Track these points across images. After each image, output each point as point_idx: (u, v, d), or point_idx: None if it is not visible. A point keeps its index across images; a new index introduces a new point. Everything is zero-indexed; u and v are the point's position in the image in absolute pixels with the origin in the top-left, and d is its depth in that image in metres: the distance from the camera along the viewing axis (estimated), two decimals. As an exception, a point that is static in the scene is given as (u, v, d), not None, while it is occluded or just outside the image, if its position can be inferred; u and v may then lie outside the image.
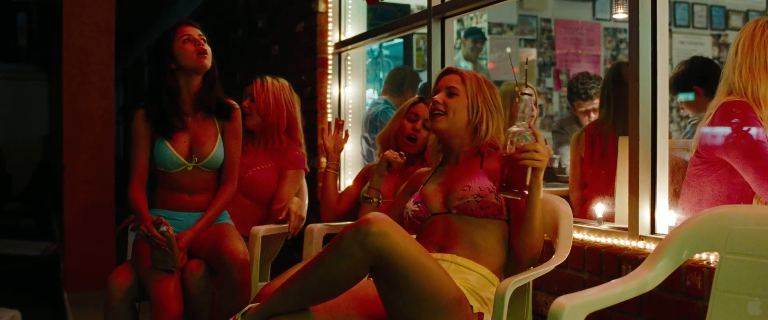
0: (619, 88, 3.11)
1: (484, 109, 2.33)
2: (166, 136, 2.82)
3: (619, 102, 3.09)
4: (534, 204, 2.07)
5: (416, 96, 3.20)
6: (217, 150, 2.88)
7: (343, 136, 3.25)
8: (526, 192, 2.02)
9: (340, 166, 3.17)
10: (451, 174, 2.35)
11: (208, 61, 2.84)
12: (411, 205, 2.34)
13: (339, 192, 3.18)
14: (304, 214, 3.29)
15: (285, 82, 3.36)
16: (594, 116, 4.04)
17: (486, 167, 2.28)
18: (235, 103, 2.98)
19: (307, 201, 3.39)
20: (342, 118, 4.64)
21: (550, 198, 2.32)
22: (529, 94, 2.07)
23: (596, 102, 4.04)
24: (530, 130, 2.02)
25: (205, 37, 2.85)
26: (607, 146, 3.10)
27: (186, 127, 2.86)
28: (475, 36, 6.05)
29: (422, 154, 3.05)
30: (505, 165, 2.02)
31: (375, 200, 2.79)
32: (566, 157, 3.93)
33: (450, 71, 2.39)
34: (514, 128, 2.03)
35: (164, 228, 2.63)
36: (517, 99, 2.07)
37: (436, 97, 2.34)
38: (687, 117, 3.69)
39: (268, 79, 3.33)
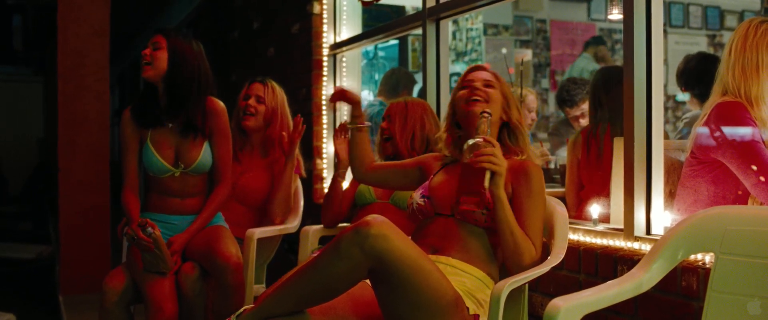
0: (611, 90, 3.10)
1: (518, 110, 2.34)
2: (152, 128, 2.81)
3: (612, 104, 3.09)
4: (499, 217, 2.09)
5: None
6: (203, 156, 2.85)
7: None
8: (480, 198, 2.03)
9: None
10: (463, 173, 2.31)
11: (151, 72, 2.79)
12: (417, 197, 2.32)
13: None
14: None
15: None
16: (583, 121, 4.05)
17: None
18: (220, 102, 2.93)
19: (302, 205, 3.38)
20: (337, 120, 4.63)
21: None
22: (489, 114, 2.16)
23: (583, 107, 4.04)
24: (485, 141, 2.07)
25: (160, 44, 2.79)
26: (603, 148, 3.10)
27: (172, 130, 2.84)
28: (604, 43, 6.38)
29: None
30: (464, 174, 2.06)
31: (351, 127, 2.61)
32: (562, 159, 3.93)
33: (482, 68, 2.39)
34: (471, 141, 2.09)
35: (150, 230, 2.62)
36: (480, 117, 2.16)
37: (475, 84, 2.30)
38: (682, 116, 3.71)
39: (275, 84, 3.31)
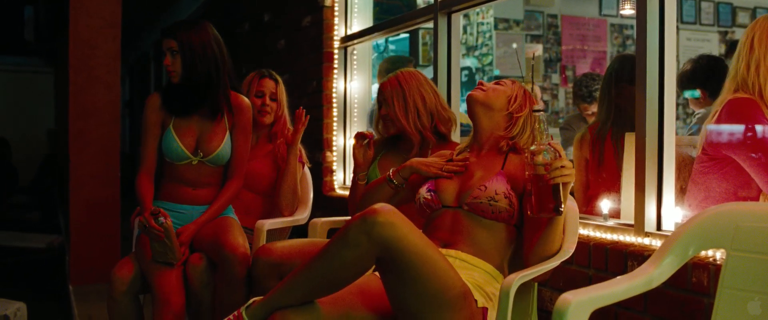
0: (617, 88, 3.09)
1: (524, 106, 2.31)
2: (179, 116, 2.83)
3: (618, 103, 3.08)
4: (558, 218, 2.05)
5: None
6: (224, 146, 2.87)
7: (370, 147, 2.91)
8: (562, 208, 1.99)
9: (368, 177, 3.02)
10: (471, 166, 2.31)
11: (175, 78, 2.81)
12: (424, 192, 2.31)
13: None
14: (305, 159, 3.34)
15: None
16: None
17: (507, 169, 2.24)
18: (246, 98, 2.97)
19: (311, 197, 3.39)
20: (347, 112, 4.64)
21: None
22: (542, 110, 2.05)
23: None
24: (551, 147, 1.97)
25: (177, 48, 2.78)
26: (604, 150, 3.08)
27: (197, 119, 2.85)
28: None
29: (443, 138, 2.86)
30: (535, 186, 1.98)
31: (395, 182, 2.47)
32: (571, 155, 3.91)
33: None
34: (534, 147, 1.99)
35: (162, 220, 2.63)
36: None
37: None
38: (693, 113, 3.68)
39: (278, 76, 3.34)
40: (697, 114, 3.49)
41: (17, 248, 6.96)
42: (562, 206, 1.98)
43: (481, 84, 2.35)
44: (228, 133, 2.90)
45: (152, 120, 2.87)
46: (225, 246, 2.69)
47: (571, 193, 2.90)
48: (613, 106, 3.10)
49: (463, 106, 3.71)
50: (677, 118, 2.84)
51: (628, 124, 2.98)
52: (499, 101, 2.30)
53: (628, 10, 4.26)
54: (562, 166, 1.94)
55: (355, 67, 4.63)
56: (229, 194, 2.92)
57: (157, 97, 2.89)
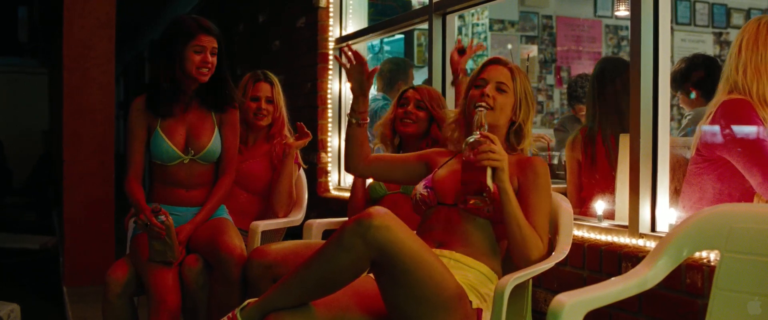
0: (600, 90, 3.09)
1: (528, 109, 2.29)
2: (165, 117, 2.82)
3: (601, 105, 3.08)
4: (507, 210, 2.07)
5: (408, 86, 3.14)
6: (213, 142, 2.87)
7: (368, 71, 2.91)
8: (486, 195, 2.02)
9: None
10: (464, 170, 2.30)
11: (207, 77, 2.82)
12: (420, 188, 2.31)
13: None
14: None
15: None
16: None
17: None
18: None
19: (306, 198, 3.38)
20: (342, 114, 4.63)
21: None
22: (483, 107, 2.14)
23: None
24: (480, 134, 2.04)
25: (216, 48, 2.82)
26: (595, 151, 3.08)
27: (183, 117, 2.85)
28: None
29: (428, 135, 2.95)
30: (465, 171, 2.04)
31: (354, 121, 2.41)
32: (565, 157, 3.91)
33: (500, 63, 2.30)
34: (470, 138, 2.05)
35: (163, 218, 2.62)
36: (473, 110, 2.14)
37: (486, 88, 2.24)
38: (685, 114, 3.69)
39: (275, 78, 3.33)
40: (688, 115, 3.49)
41: (11, 249, 6.95)
42: (486, 190, 2.02)
43: (486, 97, 2.35)
44: (216, 128, 2.90)
45: (138, 123, 2.85)
46: (221, 248, 2.68)
47: (565, 194, 2.91)
48: (597, 108, 3.10)
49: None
50: (671, 119, 2.84)
51: (615, 124, 2.99)
52: (505, 117, 2.29)
53: (622, 11, 4.27)
54: (490, 151, 1.99)
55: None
56: (222, 191, 2.92)
57: (141, 101, 2.87)
